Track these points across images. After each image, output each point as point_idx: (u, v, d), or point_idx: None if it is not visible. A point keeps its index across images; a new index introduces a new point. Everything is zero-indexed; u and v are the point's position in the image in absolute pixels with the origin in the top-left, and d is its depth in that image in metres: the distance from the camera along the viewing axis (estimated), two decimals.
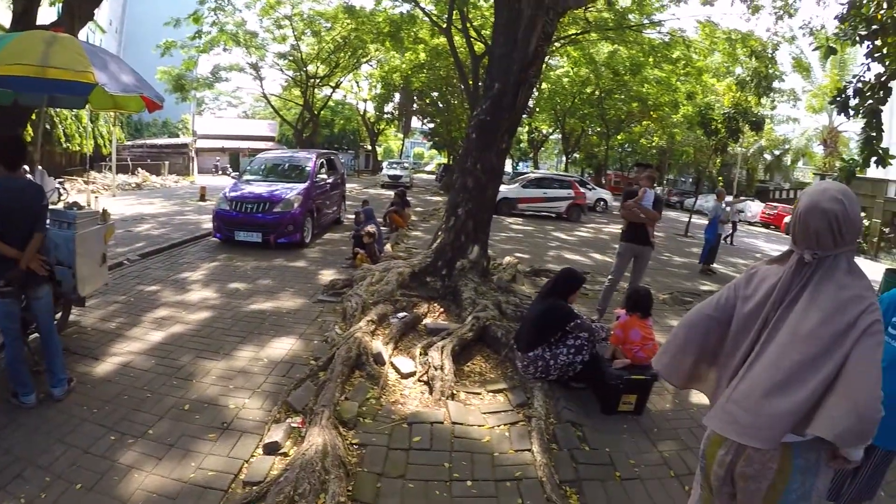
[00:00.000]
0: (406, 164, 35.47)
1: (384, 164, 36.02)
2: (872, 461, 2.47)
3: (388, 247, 9.22)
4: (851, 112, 9.65)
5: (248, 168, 11.86)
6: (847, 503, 2.57)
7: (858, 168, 10.41)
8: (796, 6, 12.47)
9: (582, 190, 20.30)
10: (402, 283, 6.09)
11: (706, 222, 11.57)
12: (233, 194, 9.78)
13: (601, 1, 15.56)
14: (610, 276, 6.39)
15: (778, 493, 1.67)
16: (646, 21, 17.88)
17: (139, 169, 25.45)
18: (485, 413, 3.81)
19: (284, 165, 11.55)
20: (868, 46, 8.92)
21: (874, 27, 8.62)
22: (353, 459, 3.15)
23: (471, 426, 3.61)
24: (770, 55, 14.74)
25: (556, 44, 18.28)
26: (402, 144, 52.54)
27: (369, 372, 4.18)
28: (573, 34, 18.49)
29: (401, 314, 5.39)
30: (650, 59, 20.09)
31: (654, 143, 34.53)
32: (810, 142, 33.06)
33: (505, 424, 3.67)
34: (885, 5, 8.43)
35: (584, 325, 4.22)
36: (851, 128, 27.59)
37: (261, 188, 10.06)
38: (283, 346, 4.85)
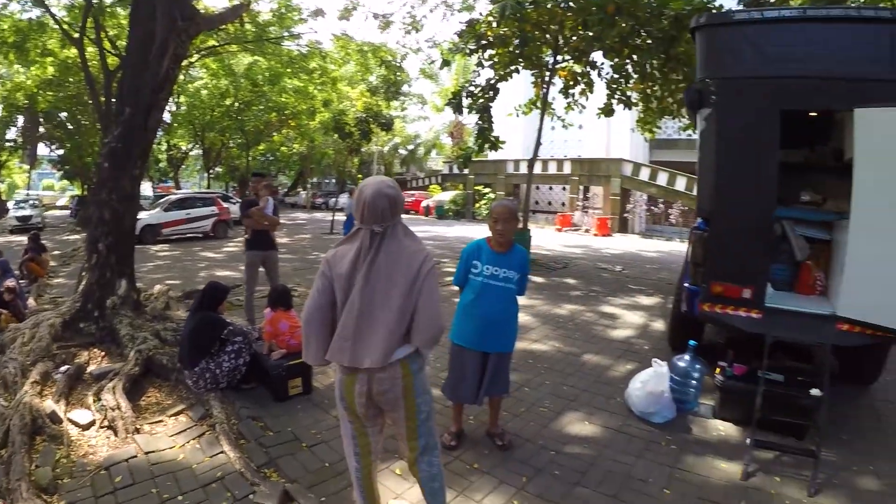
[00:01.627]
0: (36, 202, 29.06)
1: (10, 205, 29.24)
2: (491, 363, 3.59)
3: (30, 300, 7.96)
4: (466, 111, 12.19)
5: None
6: (486, 396, 3.71)
7: (474, 153, 13.18)
8: (423, 22, 14.73)
9: (225, 205, 20.13)
10: (56, 336, 5.54)
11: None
12: None
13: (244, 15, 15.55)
14: (246, 286, 6.74)
15: (410, 393, 2.47)
16: (286, 34, 18.61)
17: None
18: (172, 435, 3.97)
19: None
20: (478, 58, 11.39)
21: (483, 42, 11.06)
22: None
23: (163, 451, 3.75)
24: (398, 64, 17.10)
25: (194, 55, 17.59)
26: (29, 177, 42.89)
27: (50, 433, 3.89)
28: (213, 46, 18.12)
29: (63, 368, 4.96)
30: (288, 70, 20.92)
31: (294, 150, 35.80)
32: (439, 135, 39.25)
33: (194, 438, 3.90)
34: (494, 24, 10.86)
35: (237, 329, 4.70)
36: (475, 120, 33.79)
37: None
38: None
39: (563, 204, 29.64)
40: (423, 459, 2.61)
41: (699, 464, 3.80)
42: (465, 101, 11.99)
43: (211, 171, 37.37)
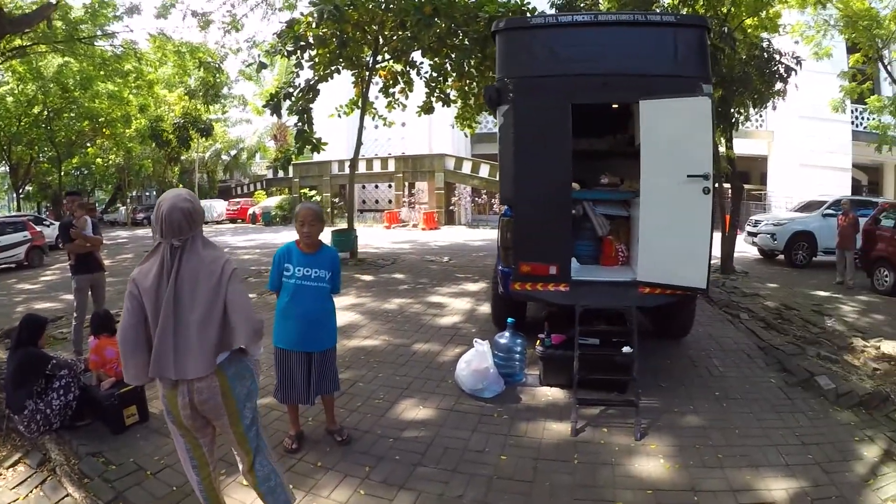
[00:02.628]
0: None
1: None
2: (316, 362, 3.68)
3: None
4: (286, 112, 11.82)
5: None
6: (318, 395, 3.78)
7: (295, 155, 12.87)
8: (243, 22, 13.95)
9: (39, 228, 17.17)
10: None
11: None
12: None
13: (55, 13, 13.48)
14: (75, 315, 6.11)
15: (230, 399, 2.47)
16: (99, 33, 16.74)
17: None
18: (13, 488, 3.51)
19: None
20: (297, 59, 11.05)
21: (301, 43, 10.74)
22: None
23: None
24: (218, 66, 16.01)
25: None
26: None
27: None
28: (19, 47, 15.49)
29: None
30: (101, 73, 18.74)
31: (111, 162, 31.98)
32: (262, 138, 37.28)
33: (36, 486, 3.50)
34: (313, 25, 10.58)
35: (62, 362, 4.30)
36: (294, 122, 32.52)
37: None
38: None
39: (391, 201, 30.11)
40: (256, 461, 2.61)
41: (531, 428, 4.17)
42: (285, 103, 11.63)
43: (20, 191, 31.94)
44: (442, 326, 6.96)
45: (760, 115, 24.17)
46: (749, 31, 10.91)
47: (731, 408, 4.51)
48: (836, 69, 16.44)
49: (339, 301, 8.25)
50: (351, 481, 3.41)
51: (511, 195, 5.05)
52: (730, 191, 12.68)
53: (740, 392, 4.82)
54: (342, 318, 7.18)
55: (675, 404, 4.55)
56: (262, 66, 12.05)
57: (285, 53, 10.81)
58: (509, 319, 5.09)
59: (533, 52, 4.90)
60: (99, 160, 31.81)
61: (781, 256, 13.75)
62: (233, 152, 38.72)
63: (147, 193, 43.71)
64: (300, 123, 11.76)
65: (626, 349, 4.58)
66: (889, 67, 15.76)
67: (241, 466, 2.66)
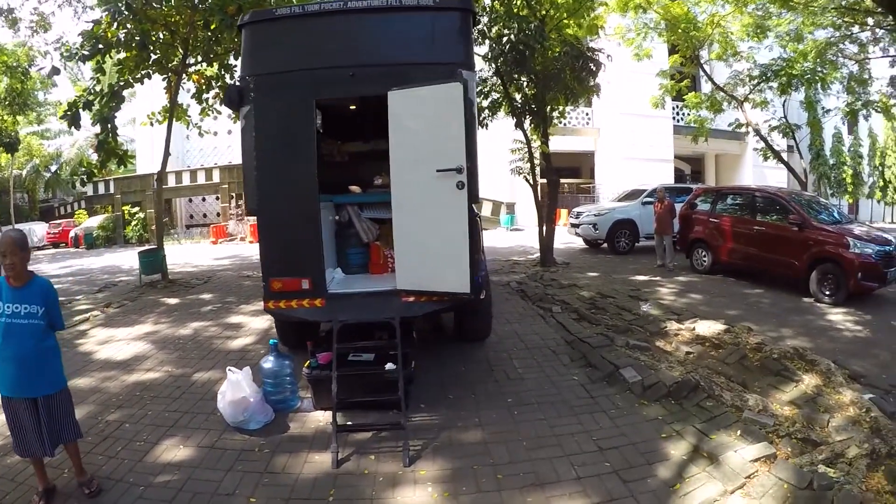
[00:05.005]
0: None
1: None
2: (42, 409, 3.27)
3: None
4: (92, 121, 10.47)
5: None
6: (53, 444, 3.36)
7: (97, 169, 11.49)
8: (51, 21, 12.39)
9: None
10: None
11: None
12: None
13: None
14: None
15: None
16: None
17: None
18: None
19: None
20: (98, 62, 9.78)
21: (100, 46, 9.50)
22: None
23: None
24: (27, 69, 13.87)
25: None
26: None
27: None
28: None
29: None
30: None
31: None
32: (83, 150, 33.12)
33: None
34: (113, 26, 9.38)
35: None
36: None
37: None
38: None
39: (218, 214, 28.23)
40: None
41: (292, 462, 3.74)
42: (90, 113, 10.28)
43: None
44: (230, 350, 6.33)
45: (587, 114, 25.96)
46: (569, 32, 11.18)
47: (522, 416, 4.21)
48: (657, 69, 17.60)
49: (133, 331, 7.42)
50: None
51: (255, 205, 4.50)
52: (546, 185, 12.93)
53: (537, 395, 4.56)
54: (130, 350, 6.52)
55: (459, 418, 4.22)
56: (56, 71, 10.60)
57: (81, 57, 9.56)
58: (272, 341, 4.64)
59: (278, 47, 4.43)
60: None
61: (605, 245, 14.37)
62: (53, 167, 34.40)
63: None
64: (102, 134, 10.47)
65: (388, 366, 4.21)
66: (706, 66, 17.21)
67: None
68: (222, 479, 3.55)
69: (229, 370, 4.33)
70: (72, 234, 28.16)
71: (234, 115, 9.71)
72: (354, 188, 5.60)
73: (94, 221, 28.65)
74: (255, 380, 4.43)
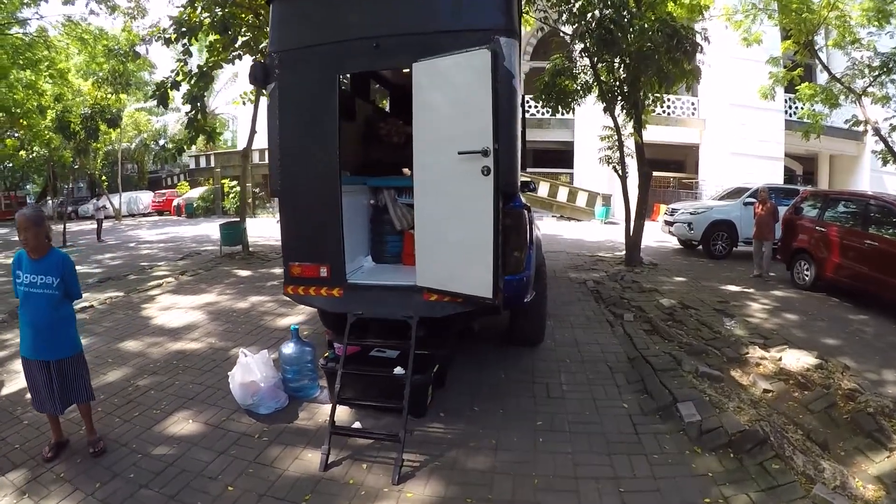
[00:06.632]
0: None
1: None
2: (55, 371, 3.49)
3: None
4: (182, 100, 10.98)
5: None
6: (65, 404, 3.59)
7: (186, 145, 12.03)
8: (147, 7, 13.43)
9: None
10: None
11: None
12: None
13: None
14: None
15: None
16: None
17: None
18: None
19: None
20: (184, 45, 10.24)
21: (183, 29, 9.92)
22: None
23: None
24: (130, 52, 14.89)
25: None
26: None
27: None
28: None
29: None
30: (18, 62, 17.49)
31: (35, 154, 30.48)
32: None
33: None
34: (198, 10, 9.79)
35: None
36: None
37: None
38: None
39: None
40: None
41: (283, 456, 3.57)
42: (174, 93, 10.81)
43: None
44: (277, 328, 6.30)
45: (693, 104, 23.97)
46: (668, 10, 10.11)
47: (547, 445, 3.61)
48: (767, 56, 15.68)
49: (195, 299, 7.63)
50: (76, 497, 3.17)
51: (277, 186, 4.23)
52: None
53: (572, 421, 3.93)
54: (185, 318, 6.73)
55: (475, 436, 3.71)
56: (137, 55, 11.22)
57: (167, 41, 10.01)
58: (293, 327, 4.46)
59: (302, 21, 4.13)
60: (22, 153, 30.32)
61: (700, 247, 13.08)
62: (161, 141, 37.10)
63: (80, 186, 41.69)
64: (192, 112, 11.00)
65: (397, 370, 3.83)
66: (820, 54, 15.17)
67: None
68: (212, 461, 3.50)
69: (241, 352, 4.24)
70: (174, 203, 30.65)
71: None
72: (406, 171, 5.26)
73: (196, 193, 31.02)
74: (276, 365, 4.36)
